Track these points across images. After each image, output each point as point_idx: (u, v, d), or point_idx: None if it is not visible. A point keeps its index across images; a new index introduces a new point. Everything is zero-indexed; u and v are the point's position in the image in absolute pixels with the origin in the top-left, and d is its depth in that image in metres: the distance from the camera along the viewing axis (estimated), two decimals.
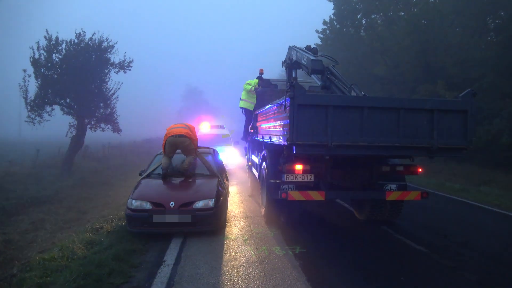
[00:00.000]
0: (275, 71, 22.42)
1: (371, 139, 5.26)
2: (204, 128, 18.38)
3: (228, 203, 8.70)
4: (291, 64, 8.98)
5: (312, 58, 7.18)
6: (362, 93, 6.04)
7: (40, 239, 8.07)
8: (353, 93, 6.10)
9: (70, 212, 10.25)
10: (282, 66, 9.96)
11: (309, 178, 6.22)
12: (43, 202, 11.32)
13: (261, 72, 10.44)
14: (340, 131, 5.20)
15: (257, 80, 10.09)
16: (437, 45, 19.60)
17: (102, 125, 17.12)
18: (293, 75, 9.55)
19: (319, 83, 7.28)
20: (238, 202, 9.69)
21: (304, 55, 7.65)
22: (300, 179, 6.19)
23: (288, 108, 5.11)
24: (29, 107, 15.16)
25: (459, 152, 5.67)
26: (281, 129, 5.66)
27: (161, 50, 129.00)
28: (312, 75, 7.60)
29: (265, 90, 9.62)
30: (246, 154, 12.15)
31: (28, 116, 15.26)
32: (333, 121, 5.15)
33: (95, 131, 17.07)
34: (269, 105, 6.77)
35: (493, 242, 6.59)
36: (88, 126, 16.60)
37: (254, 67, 10.74)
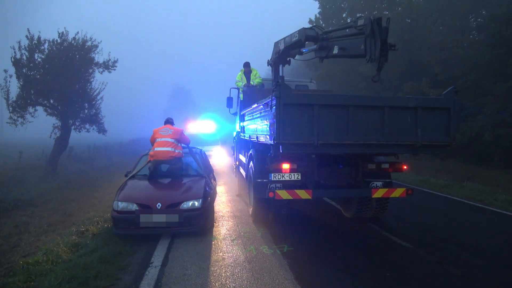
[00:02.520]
0: (261, 71, 22.44)
1: (357, 137, 5.31)
2: (192, 128, 18.34)
3: (216, 203, 8.68)
4: (278, 59, 8.80)
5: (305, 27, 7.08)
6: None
7: (24, 243, 7.91)
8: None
9: (55, 215, 10.07)
10: (268, 65, 9.95)
11: (296, 177, 6.23)
12: (27, 205, 11.09)
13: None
14: (326, 130, 5.23)
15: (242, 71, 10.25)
16: (421, 43, 19.90)
17: (87, 126, 16.86)
18: (280, 74, 9.56)
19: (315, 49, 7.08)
20: (225, 201, 9.66)
21: (293, 33, 7.55)
22: (287, 178, 6.20)
23: (274, 107, 5.11)
24: (11, 108, 14.81)
25: (443, 149, 5.77)
26: (268, 128, 5.66)
27: (147, 49, 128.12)
28: (306, 49, 7.37)
29: (251, 90, 9.62)
30: (233, 154, 12.13)
31: (10, 118, 14.91)
32: (319, 120, 5.18)
33: (79, 132, 16.80)
34: (256, 105, 6.77)
35: (476, 237, 6.72)
36: (73, 127, 16.33)
37: (240, 65, 10.76)
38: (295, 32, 7.29)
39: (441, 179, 13.58)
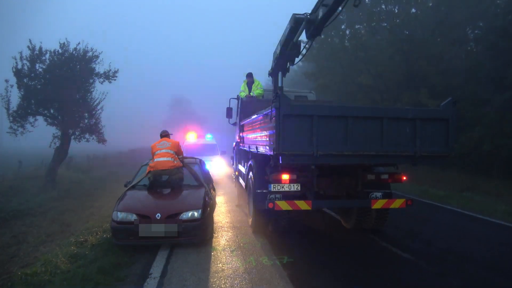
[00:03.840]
0: (263, 81, 22.59)
1: (356, 148, 5.34)
2: (191, 138, 18.36)
3: (215, 213, 8.67)
4: (277, 66, 8.73)
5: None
6: None
7: (22, 253, 7.88)
8: None
9: (54, 225, 10.05)
10: (269, 76, 10.03)
11: (296, 187, 6.24)
12: (26, 214, 11.08)
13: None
14: (325, 141, 5.27)
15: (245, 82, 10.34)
16: (419, 54, 20.06)
17: (87, 136, 16.88)
18: (279, 84, 9.63)
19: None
20: (225, 212, 9.64)
21: (285, 29, 7.60)
22: (286, 189, 6.20)
23: (273, 118, 5.15)
24: (11, 118, 14.87)
25: (441, 159, 5.81)
26: (267, 139, 5.69)
27: (148, 59, 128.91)
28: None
29: (251, 100, 9.68)
30: (233, 164, 12.14)
31: (10, 127, 14.97)
32: (318, 131, 5.21)
33: (79, 142, 16.82)
34: (255, 115, 6.81)
35: (476, 248, 6.69)
36: (72, 136, 16.35)
37: (241, 76, 10.92)
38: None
39: (441, 189, 13.58)
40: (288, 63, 9.03)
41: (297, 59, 8.09)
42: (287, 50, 7.86)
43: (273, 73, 9.16)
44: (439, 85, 19.55)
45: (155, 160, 7.22)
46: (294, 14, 6.98)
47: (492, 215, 9.33)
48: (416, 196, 12.32)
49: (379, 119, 5.39)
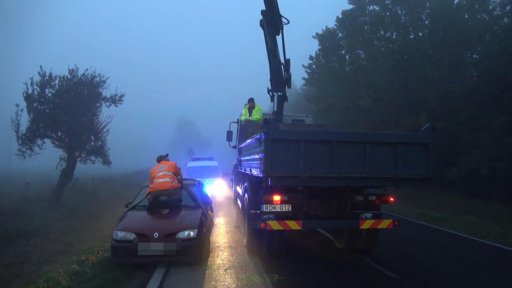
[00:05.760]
0: (265, 105, 23.14)
1: (341, 171, 5.67)
2: (194, 161, 18.84)
3: (214, 234, 8.92)
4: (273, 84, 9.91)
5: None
6: None
7: (26, 272, 8.18)
8: None
9: (57, 245, 10.34)
10: (268, 93, 10.62)
11: (287, 208, 6.53)
12: (30, 235, 11.39)
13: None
14: (312, 163, 5.61)
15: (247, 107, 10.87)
16: (418, 79, 20.51)
17: (92, 158, 17.38)
18: (275, 109, 10.16)
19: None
20: (223, 233, 9.89)
21: None
22: (278, 209, 6.49)
23: (263, 142, 5.53)
24: (20, 141, 15.42)
25: (423, 182, 6.09)
26: (259, 162, 6.05)
27: (153, 82, 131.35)
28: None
29: (249, 124, 10.09)
30: (232, 186, 12.43)
31: (19, 150, 15.49)
32: (305, 154, 5.57)
33: (85, 163, 17.30)
34: (249, 139, 7.19)
35: (462, 268, 6.90)
36: (78, 159, 16.84)
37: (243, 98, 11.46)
38: None
39: (438, 212, 13.71)
40: (286, 86, 9.87)
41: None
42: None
43: (271, 93, 9.83)
44: (438, 108, 19.92)
45: (155, 181, 7.57)
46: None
47: (485, 237, 9.49)
48: (412, 218, 12.50)
49: (362, 144, 5.73)
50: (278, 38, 9.50)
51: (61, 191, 16.37)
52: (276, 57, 9.61)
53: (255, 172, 6.59)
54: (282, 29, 9.29)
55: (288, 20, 9.32)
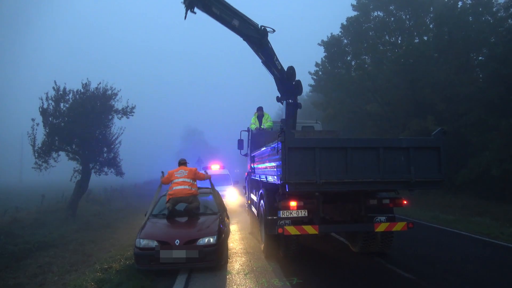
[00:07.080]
0: (273, 113, 23.41)
1: (356, 176, 5.87)
2: (215, 169, 19.16)
3: (230, 240, 9.13)
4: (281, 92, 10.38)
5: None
6: None
7: (49, 282, 8.42)
8: None
9: (76, 255, 10.60)
10: (278, 102, 10.99)
11: (303, 213, 6.73)
12: (49, 246, 11.67)
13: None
14: (327, 170, 5.82)
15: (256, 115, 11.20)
16: (424, 82, 20.64)
17: (106, 169, 17.71)
18: (284, 117, 10.53)
19: None
20: (238, 239, 10.09)
21: None
22: (295, 215, 6.70)
23: (280, 151, 5.76)
24: (36, 154, 15.80)
25: (436, 185, 6.27)
26: (275, 169, 6.28)
27: (162, 92, 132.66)
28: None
29: (260, 132, 10.34)
30: (245, 193, 12.63)
31: (36, 163, 15.86)
32: (320, 161, 5.79)
33: (99, 175, 17.63)
34: (264, 148, 7.43)
35: (476, 269, 7.02)
36: (93, 170, 17.18)
37: (252, 106, 11.77)
38: None
39: (451, 214, 13.76)
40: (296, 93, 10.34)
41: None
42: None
43: (281, 100, 10.22)
44: (445, 111, 20.00)
45: (174, 188, 7.82)
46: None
47: (498, 238, 9.57)
48: (425, 221, 12.59)
49: (375, 149, 5.94)
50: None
51: (76, 202, 16.69)
52: (270, 67, 10.12)
53: (271, 179, 6.80)
54: (265, 44, 9.82)
55: (273, 29, 9.86)
